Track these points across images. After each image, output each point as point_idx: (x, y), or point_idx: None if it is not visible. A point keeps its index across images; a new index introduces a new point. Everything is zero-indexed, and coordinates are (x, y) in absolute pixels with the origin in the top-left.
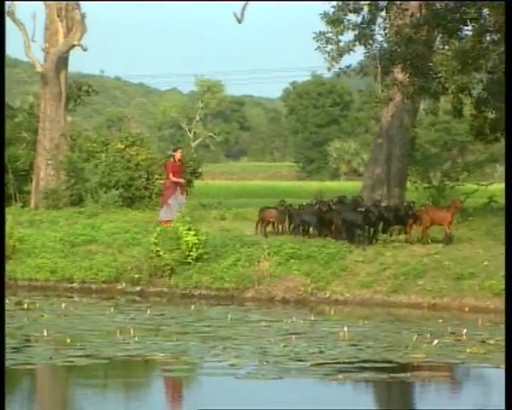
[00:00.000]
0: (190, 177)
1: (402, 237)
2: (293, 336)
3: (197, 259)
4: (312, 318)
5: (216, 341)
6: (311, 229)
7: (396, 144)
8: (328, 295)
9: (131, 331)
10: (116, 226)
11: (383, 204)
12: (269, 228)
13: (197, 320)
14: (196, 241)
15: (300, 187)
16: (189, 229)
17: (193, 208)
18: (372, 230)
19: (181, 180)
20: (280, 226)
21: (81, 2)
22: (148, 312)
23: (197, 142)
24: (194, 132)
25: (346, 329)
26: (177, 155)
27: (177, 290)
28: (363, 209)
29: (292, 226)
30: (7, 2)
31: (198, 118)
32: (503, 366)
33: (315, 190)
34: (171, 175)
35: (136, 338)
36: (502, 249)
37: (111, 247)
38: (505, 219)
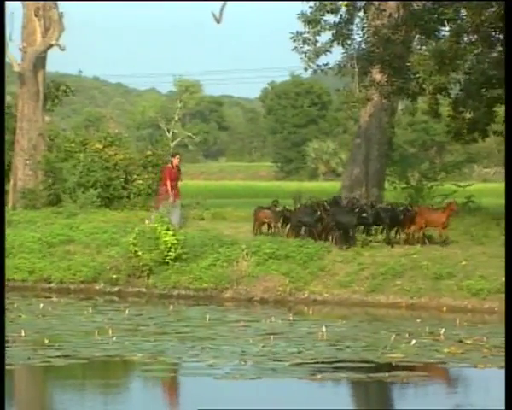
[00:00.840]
0: None
1: (380, 237)
2: (272, 337)
3: (175, 259)
4: (291, 318)
5: (194, 341)
6: (302, 230)
7: (374, 144)
8: (306, 295)
9: (110, 332)
10: (94, 226)
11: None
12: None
13: (176, 320)
14: (175, 241)
15: (279, 187)
16: (168, 229)
17: None
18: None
19: (170, 194)
20: (276, 227)
21: (59, 2)
22: (127, 312)
23: (175, 142)
24: (173, 132)
25: (324, 329)
26: (175, 160)
27: (156, 291)
28: (357, 210)
29: (288, 228)
30: None
31: (176, 118)
32: (481, 366)
33: (293, 190)
34: (168, 182)
35: (114, 338)
36: (479, 249)
37: (89, 247)
38: (505, 221)
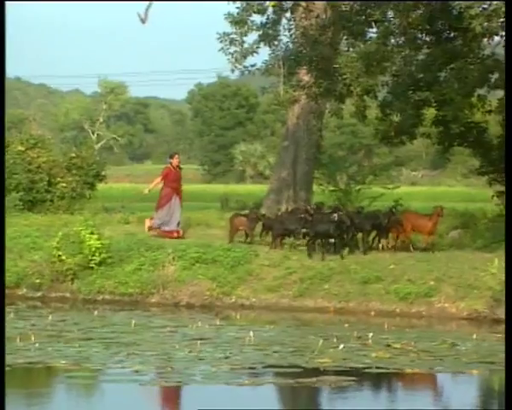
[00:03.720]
0: (93, 180)
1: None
2: (199, 342)
3: (100, 263)
4: (218, 323)
5: (120, 347)
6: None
7: (302, 147)
8: (233, 299)
9: (32, 338)
10: (16, 230)
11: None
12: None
13: (100, 326)
14: (99, 245)
15: (205, 190)
16: (92, 233)
17: (96, 212)
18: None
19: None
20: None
21: None
22: (50, 318)
23: (100, 144)
24: (98, 134)
25: (251, 334)
26: (175, 161)
27: (80, 296)
28: (336, 218)
29: (272, 236)
30: None
31: (101, 120)
32: (409, 370)
33: (220, 193)
34: (159, 179)
35: (37, 345)
36: (407, 253)
37: (11, 251)
38: (505, 222)
